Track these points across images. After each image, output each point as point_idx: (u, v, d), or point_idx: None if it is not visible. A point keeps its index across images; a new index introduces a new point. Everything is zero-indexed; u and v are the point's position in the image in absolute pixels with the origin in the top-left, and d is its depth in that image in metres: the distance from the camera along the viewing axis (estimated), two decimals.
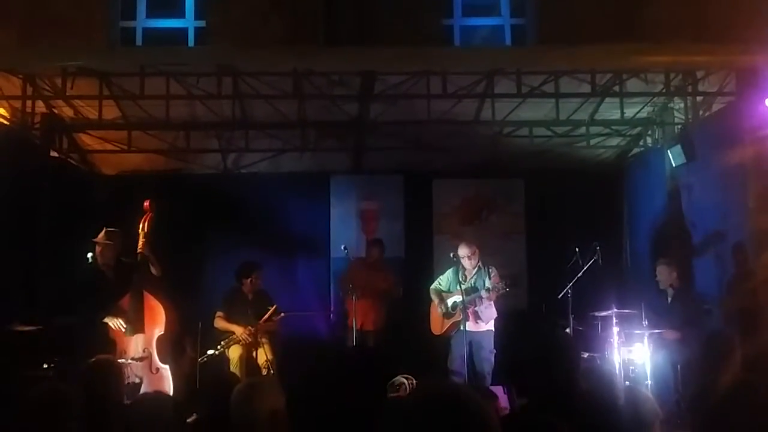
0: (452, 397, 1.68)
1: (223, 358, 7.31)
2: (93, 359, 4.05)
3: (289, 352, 7.70)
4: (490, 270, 7.58)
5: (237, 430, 3.24)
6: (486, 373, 7.36)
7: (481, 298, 7.41)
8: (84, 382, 3.68)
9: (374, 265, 8.36)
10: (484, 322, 7.49)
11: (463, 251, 7.55)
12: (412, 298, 8.23)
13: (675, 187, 8.17)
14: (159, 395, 3.82)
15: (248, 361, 7.32)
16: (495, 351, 7.46)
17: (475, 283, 7.54)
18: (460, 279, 7.49)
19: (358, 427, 3.06)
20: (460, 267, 7.55)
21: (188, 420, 4.29)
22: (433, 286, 7.80)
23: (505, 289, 7.39)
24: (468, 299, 7.37)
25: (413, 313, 8.13)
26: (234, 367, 7.24)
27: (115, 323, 6.09)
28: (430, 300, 7.77)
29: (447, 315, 7.55)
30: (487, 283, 7.45)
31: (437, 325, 7.67)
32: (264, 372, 7.20)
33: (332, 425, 3.31)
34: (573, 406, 2.86)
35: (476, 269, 7.58)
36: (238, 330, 7.36)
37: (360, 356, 3.55)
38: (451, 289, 7.65)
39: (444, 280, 7.77)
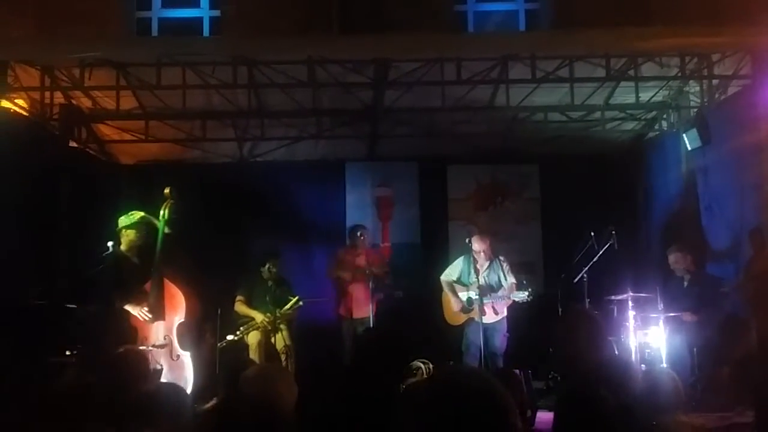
0: (468, 382, 1.69)
1: (241, 344, 7.40)
2: (121, 350, 4.10)
3: (305, 337, 7.80)
4: (502, 262, 7.63)
5: (255, 413, 3.29)
6: (499, 356, 7.41)
7: (498, 300, 7.47)
8: (111, 373, 3.73)
9: (356, 252, 8.27)
10: (500, 314, 7.54)
11: (477, 246, 7.58)
12: (427, 283, 8.26)
13: (690, 171, 8.16)
14: (174, 387, 3.86)
15: (266, 346, 7.41)
16: (508, 334, 7.52)
17: (488, 276, 7.57)
18: (472, 271, 7.50)
19: (375, 412, 3.12)
20: (472, 259, 7.58)
21: (206, 406, 4.36)
22: (444, 277, 7.78)
23: (529, 299, 7.42)
24: (486, 300, 7.38)
25: (428, 298, 8.17)
26: (253, 353, 7.34)
27: (138, 311, 6.15)
28: (442, 288, 7.81)
29: (464, 310, 7.55)
30: (503, 281, 7.52)
31: (454, 318, 7.68)
32: (283, 358, 7.30)
33: (347, 413, 3.37)
34: (599, 387, 2.90)
35: (488, 262, 7.63)
36: (259, 316, 7.46)
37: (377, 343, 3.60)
38: (462, 280, 7.67)
39: (455, 270, 7.76)
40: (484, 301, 7.36)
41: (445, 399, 1.66)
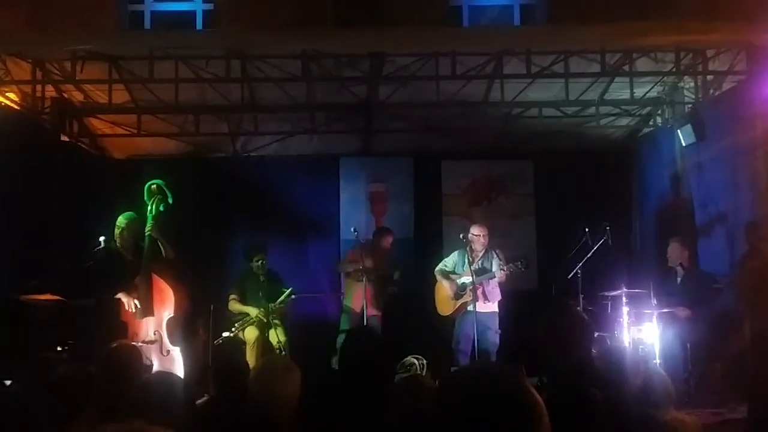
0: (506, 382, 1.60)
1: (237, 340, 7.38)
2: (114, 344, 4.08)
3: (299, 333, 7.78)
4: (497, 253, 7.62)
5: (257, 407, 3.28)
6: (491, 353, 7.39)
7: (490, 278, 7.45)
8: (104, 366, 3.71)
9: (380, 250, 8.29)
10: (491, 302, 7.53)
11: (475, 230, 7.59)
12: (421, 278, 8.25)
13: (685, 167, 8.16)
14: (168, 375, 3.85)
15: (262, 342, 7.39)
16: (500, 331, 7.50)
17: (482, 264, 7.58)
18: (468, 260, 7.51)
19: (369, 408, 3.11)
20: (468, 249, 7.56)
21: (198, 402, 4.34)
22: (438, 268, 7.81)
23: (521, 269, 7.41)
24: (478, 279, 7.38)
25: (420, 293, 8.16)
26: (250, 349, 7.31)
27: (128, 301, 6.16)
28: (435, 281, 7.80)
29: (457, 296, 7.57)
30: (495, 265, 7.48)
31: (445, 306, 7.69)
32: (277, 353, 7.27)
33: (343, 406, 3.35)
34: (588, 385, 2.88)
35: (483, 251, 7.62)
36: (253, 311, 7.45)
37: (370, 340, 3.59)
38: (457, 271, 7.70)
39: (450, 262, 7.80)
40: (477, 280, 7.32)
41: (481, 397, 1.57)
